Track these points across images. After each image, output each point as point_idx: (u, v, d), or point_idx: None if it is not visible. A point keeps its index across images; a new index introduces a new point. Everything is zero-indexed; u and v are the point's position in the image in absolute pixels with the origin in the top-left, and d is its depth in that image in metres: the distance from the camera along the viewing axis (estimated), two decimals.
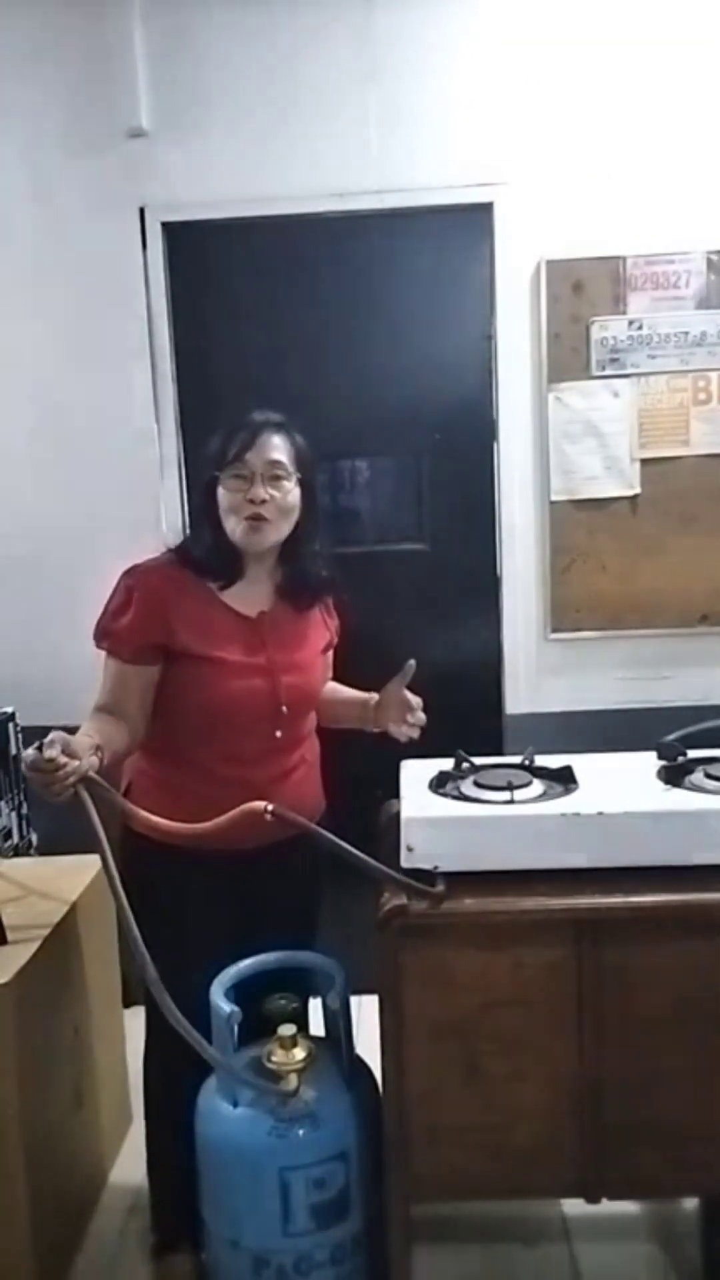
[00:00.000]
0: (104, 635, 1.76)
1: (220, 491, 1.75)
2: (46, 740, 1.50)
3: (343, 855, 1.56)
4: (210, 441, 1.80)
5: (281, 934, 1.78)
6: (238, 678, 1.74)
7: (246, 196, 2.66)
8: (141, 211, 2.69)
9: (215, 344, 2.77)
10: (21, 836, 2.70)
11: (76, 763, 1.52)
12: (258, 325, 2.75)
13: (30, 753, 1.49)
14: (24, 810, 2.71)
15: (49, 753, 1.48)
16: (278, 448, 1.74)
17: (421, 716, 1.83)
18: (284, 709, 1.76)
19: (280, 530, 1.76)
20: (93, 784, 1.56)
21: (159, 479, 2.76)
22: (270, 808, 1.56)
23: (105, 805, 1.58)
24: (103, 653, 1.77)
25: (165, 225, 2.70)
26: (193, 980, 1.62)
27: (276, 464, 1.73)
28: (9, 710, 2.71)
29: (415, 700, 1.83)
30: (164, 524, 2.72)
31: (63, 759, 1.49)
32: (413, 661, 1.81)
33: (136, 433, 2.75)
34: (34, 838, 2.75)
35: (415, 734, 1.84)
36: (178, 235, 2.72)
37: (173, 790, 1.75)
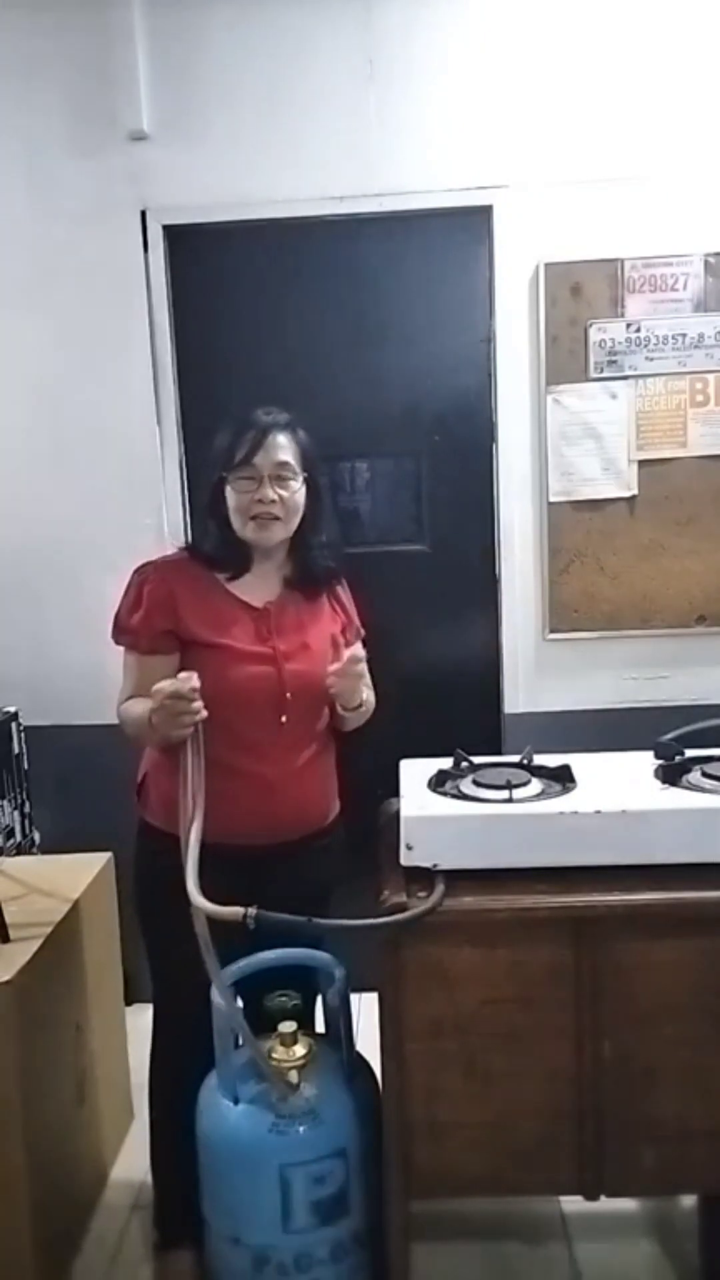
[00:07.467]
0: (121, 632, 1.82)
1: (228, 491, 1.79)
2: (183, 675, 1.63)
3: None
4: (216, 440, 1.82)
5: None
6: (244, 664, 1.77)
7: (247, 199, 2.67)
8: (143, 214, 2.69)
9: (216, 346, 2.77)
10: (24, 835, 2.71)
11: (200, 703, 1.63)
12: (258, 327, 2.76)
13: (170, 683, 1.62)
14: (26, 809, 2.72)
15: (192, 682, 1.61)
16: (284, 448, 1.77)
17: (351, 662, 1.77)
18: (288, 695, 1.77)
19: (288, 527, 1.81)
20: (198, 732, 1.67)
21: (160, 479, 2.77)
22: (253, 913, 1.56)
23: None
24: (123, 649, 1.82)
25: (166, 228, 2.71)
26: (202, 975, 1.63)
27: (284, 465, 1.77)
28: (12, 710, 2.72)
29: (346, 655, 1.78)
30: (165, 524, 2.73)
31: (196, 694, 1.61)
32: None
33: (138, 433, 2.76)
34: (36, 836, 2.75)
35: (341, 681, 1.77)
36: (179, 238, 2.73)
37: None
